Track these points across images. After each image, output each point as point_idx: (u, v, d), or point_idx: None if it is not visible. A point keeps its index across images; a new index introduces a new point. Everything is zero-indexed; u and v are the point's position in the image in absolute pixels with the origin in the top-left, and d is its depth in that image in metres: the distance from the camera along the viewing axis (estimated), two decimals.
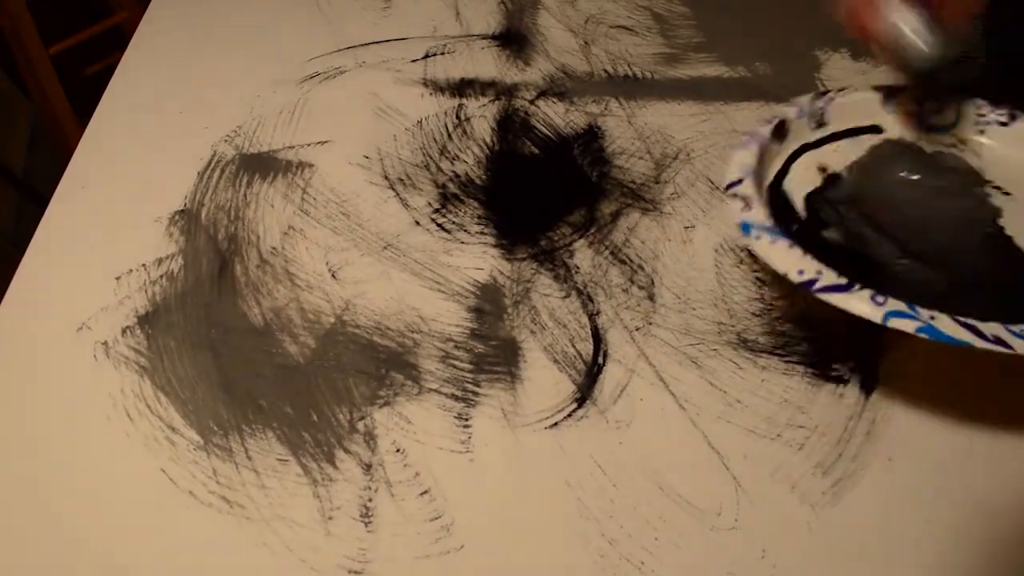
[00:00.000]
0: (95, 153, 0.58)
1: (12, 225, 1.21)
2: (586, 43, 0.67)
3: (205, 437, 0.43)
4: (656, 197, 0.55)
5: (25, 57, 1.22)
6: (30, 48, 1.21)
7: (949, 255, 0.45)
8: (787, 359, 0.47)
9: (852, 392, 0.46)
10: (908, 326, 0.37)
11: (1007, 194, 0.48)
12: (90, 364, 0.46)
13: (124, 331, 0.48)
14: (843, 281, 0.39)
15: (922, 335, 0.37)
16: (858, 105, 0.51)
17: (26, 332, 0.48)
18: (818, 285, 0.39)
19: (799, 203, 0.47)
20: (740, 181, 0.45)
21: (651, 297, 0.50)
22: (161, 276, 0.50)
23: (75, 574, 0.39)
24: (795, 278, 0.40)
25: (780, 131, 0.49)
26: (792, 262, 0.41)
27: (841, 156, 0.50)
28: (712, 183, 0.56)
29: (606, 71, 0.65)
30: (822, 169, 0.49)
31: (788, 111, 0.50)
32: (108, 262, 0.51)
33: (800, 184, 0.48)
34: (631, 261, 0.52)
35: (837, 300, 0.39)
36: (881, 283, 0.40)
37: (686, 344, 0.48)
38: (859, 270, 0.41)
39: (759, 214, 0.43)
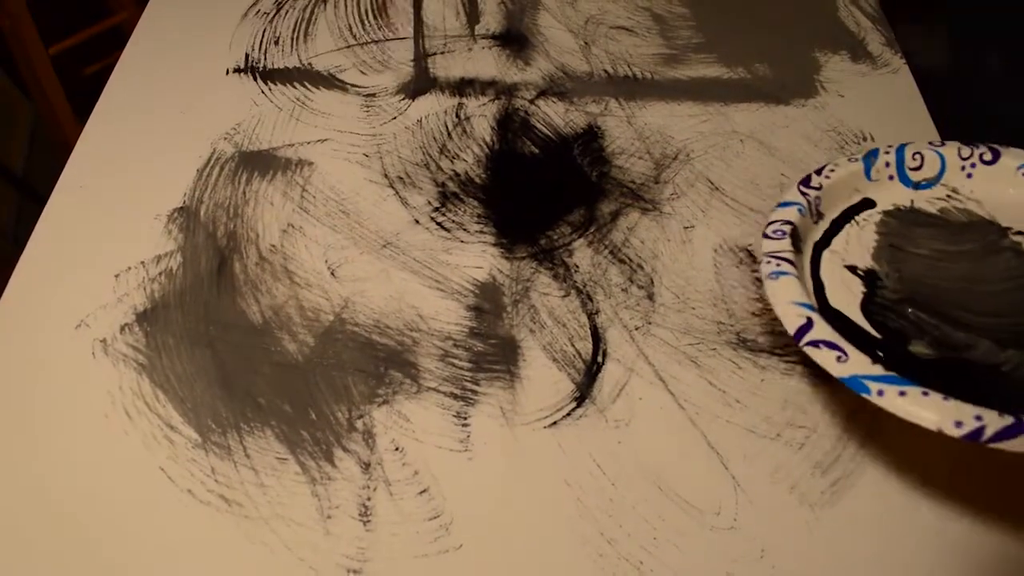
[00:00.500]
0: (94, 151, 0.58)
1: (12, 225, 1.21)
2: (586, 43, 0.67)
3: (204, 435, 0.43)
4: (656, 197, 0.55)
5: (25, 57, 1.22)
6: (30, 48, 1.21)
7: None
8: (787, 359, 0.47)
9: (852, 393, 0.45)
10: None
11: None
12: (88, 361, 0.46)
13: (123, 328, 0.48)
14: (1011, 421, 0.35)
15: None
16: (843, 183, 0.49)
17: (25, 329, 0.48)
18: (987, 435, 0.35)
19: (859, 318, 0.43)
20: (811, 323, 0.39)
21: (650, 296, 0.50)
22: (160, 273, 0.50)
23: (73, 572, 0.39)
24: (953, 432, 0.35)
25: (796, 240, 0.45)
26: (940, 413, 0.36)
27: (857, 247, 0.47)
28: (712, 183, 0.56)
29: (606, 71, 0.65)
30: (851, 269, 0.45)
31: (789, 213, 0.46)
32: (107, 259, 0.51)
33: (844, 295, 0.44)
34: (630, 260, 0.52)
35: (1016, 446, 0.34)
36: (1004, 388, 0.37)
37: (685, 343, 0.48)
38: (974, 382, 0.39)
39: (861, 362, 0.38)
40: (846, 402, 0.45)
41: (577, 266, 0.51)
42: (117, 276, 0.50)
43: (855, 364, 0.38)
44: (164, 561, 0.39)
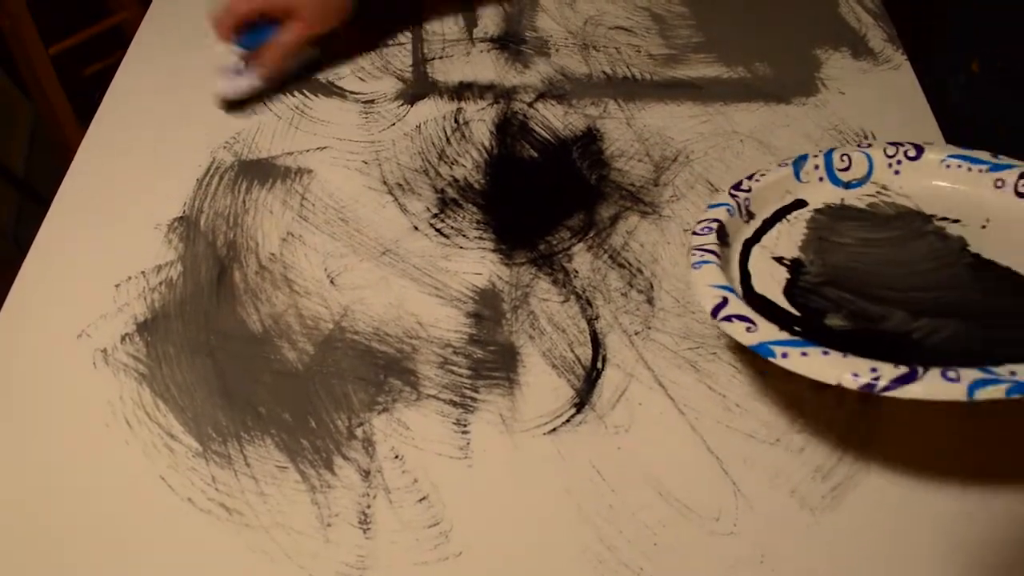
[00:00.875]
0: (94, 160, 0.58)
1: (12, 225, 1.21)
2: (585, 45, 0.67)
3: (204, 444, 0.44)
4: (655, 200, 0.55)
5: (25, 57, 1.22)
6: (30, 48, 1.21)
7: (949, 300, 0.44)
8: None
9: (851, 396, 0.45)
10: (998, 392, 0.35)
11: (955, 222, 0.47)
12: (89, 371, 0.47)
13: (123, 338, 0.48)
14: (905, 370, 0.36)
15: (1015, 395, 0.34)
16: (774, 186, 0.50)
17: (25, 339, 0.48)
18: (881, 384, 0.36)
19: (781, 301, 0.45)
20: (725, 302, 0.42)
21: (650, 301, 0.50)
22: (160, 283, 0.50)
23: None
24: (851, 383, 0.37)
25: (723, 236, 0.47)
26: (838, 368, 0.37)
27: (787, 241, 0.48)
28: (712, 185, 0.56)
29: (605, 73, 0.65)
30: (778, 260, 0.47)
31: (718, 212, 0.48)
32: (107, 269, 0.51)
33: (768, 282, 0.46)
34: (630, 265, 0.52)
35: (909, 392, 0.36)
36: (918, 355, 0.38)
37: (685, 348, 0.48)
38: (886, 348, 0.39)
39: (769, 330, 0.40)
40: (846, 407, 0.45)
41: (576, 271, 0.51)
42: (117, 286, 0.50)
43: (763, 333, 0.40)
44: (165, 570, 0.40)
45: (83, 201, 0.55)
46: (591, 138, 0.59)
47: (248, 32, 0.61)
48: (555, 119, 0.61)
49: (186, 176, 0.57)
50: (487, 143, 0.59)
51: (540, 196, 0.56)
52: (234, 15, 0.60)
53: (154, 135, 0.60)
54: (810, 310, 0.44)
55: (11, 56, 1.24)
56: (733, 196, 0.49)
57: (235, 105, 0.62)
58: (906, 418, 0.45)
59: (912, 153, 0.50)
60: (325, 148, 0.59)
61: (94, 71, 1.35)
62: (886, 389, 0.36)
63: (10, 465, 0.43)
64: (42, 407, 0.45)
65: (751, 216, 0.50)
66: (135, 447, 0.44)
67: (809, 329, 0.43)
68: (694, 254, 0.45)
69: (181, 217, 0.54)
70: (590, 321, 0.49)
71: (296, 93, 0.63)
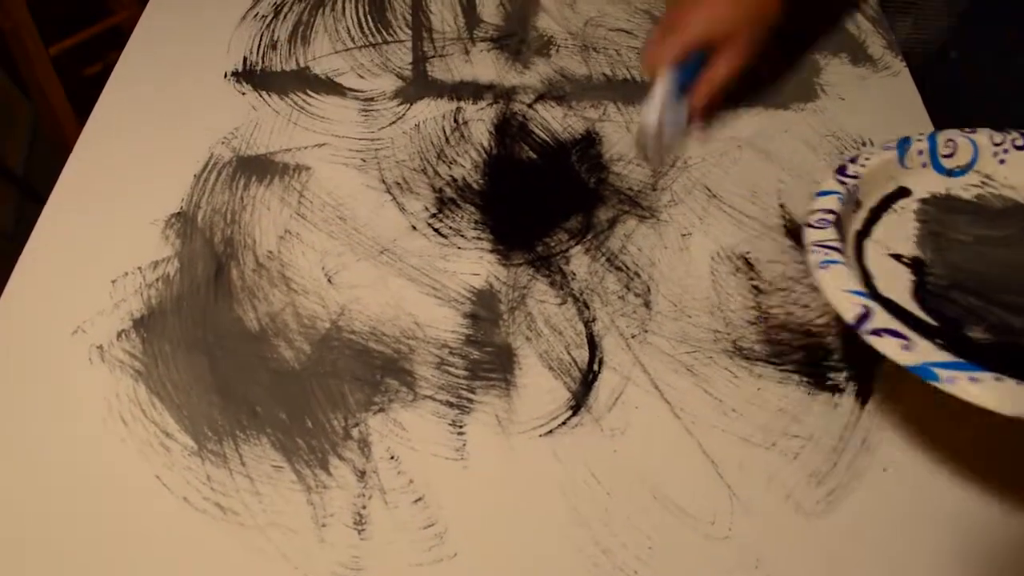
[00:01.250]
0: (91, 156, 0.58)
1: (12, 225, 1.21)
2: (585, 46, 0.67)
3: (199, 443, 0.43)
4: (653, 204, 0.55)
5: (25, 57, 1.22)
6: (30, 48, 1.21)
7: None
8: (783, 368, 0.47)
9: (848, 402, 0.46)
10: None
11: None
12: (85, 368, 0.46)
13: (119, 335, 0.48)
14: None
15: None
16: (879, 171, 0.48)
17: (21, 335, 0.48)
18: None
19: (911, 306, 0.42)
20: (868, 312, 0.39)
21: (647, 304, 0.50)
22: (157, 279, 0.50)
23: None
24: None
25: (839, 228, 0.44)
26: (1017, 399, 0.35)
27: (898, 235, 0.47)
28: (709, 190, 0.56)
29: (605, 75, 0.65)
30: (896, 257, 0.45)
31: (830, 202, 0.45)
32: (104, 265, 0.51)
33: (892, 283, 0.44)
34: (627, 268, 0.52)
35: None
36: None
37: (682, 352, 0.48)
38: None
39: (927, 349, 0.37)
40: (843, 411, 0.45)
41: (574, 273, 0.51)
42: (114, 282, 0.50)
43: (922, 352, 0.37)
44: (159, 568, 0.40)
45: (80, 196, 0.55)
46: (590, 141, 0.59)
47: (682, 64, 0.53)
48: (554, 121, 0.61)
49: (184, 172, 0.56)
50: (486, 143, 0.59)
51: (538, 198, 0.56)
52: (683, 44, 0.52)
53: (152, 130, 0.60)
54: (944, 318, 0.42)
55: (11, 56, 1.24)
56: (841, 182, 0.46)
57: (658, 148, 0.56)
58: (902, 424, 0.45)
59: (1020, 142, 0.49)
60: (323, 145, 0.59)
61: (94, 71, 1.35)
62: None
63: (5, 461, 0.43)
64: (37, 403, 0.45)
65: (858, 205, 0.47)
66: (131, 445, 0.43)
67: (950, 341, 0.40)
68: (816, 251, 0.42)
69: (178, 213, 0.54)
70: (587, 323, 0.49)
71: (295, 89, 0.63)
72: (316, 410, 0.45)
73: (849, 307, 0.39)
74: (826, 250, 0.42)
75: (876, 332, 0.38)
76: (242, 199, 0.55)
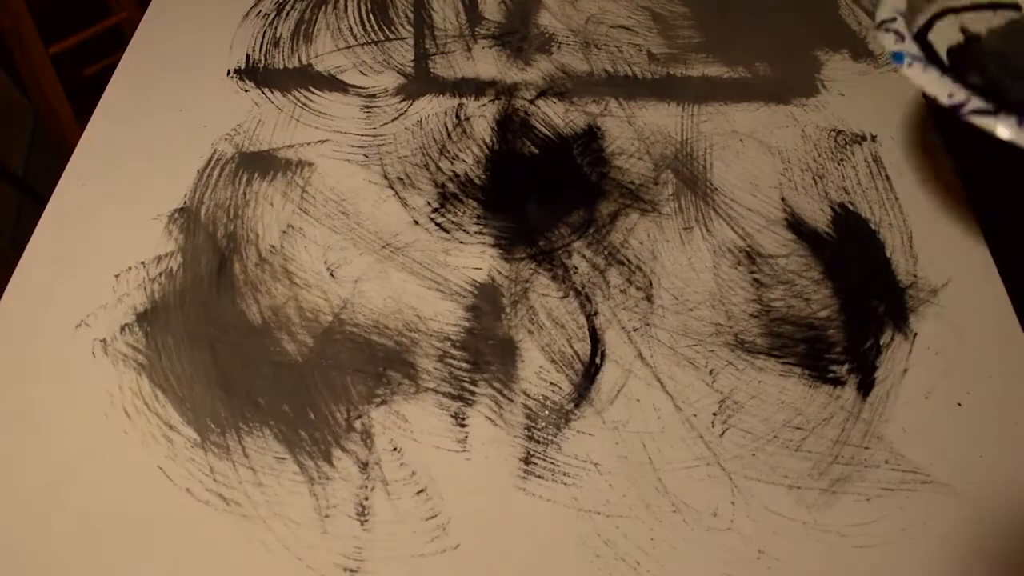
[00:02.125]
0: (95, 150, 0.58)
1: (12, 225, 1.21)
2: (586, 43, 0.67)
3: (203, 435, 0.44)
4: (655, 198, 0.56)
5: (25, 57, 1.22)
6: (30, 48, 1.21)
7: None
8: (784, 360, 0.47)
9: (849, 394, 0.46)
10: None
11: None
12: (88, 361, 0.46)
13: (123, 328, 0.48)
14: (990, 106, 0.42)
15: None
16: None
17: (25, 329, 0.48)
18: (967, 108, 0.42)
19: (942, 54, 0.50)
20: (894, 19, 0.48)
21: (649, 298, 0.50)
22: (160, 274, 0.50)
23: (71, 570, 0.39)
24: (945, 101, 0.43)
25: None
26: (943, 87, 0.44)
27: (983, 23, 0.53)
28: (711, 184, 0.56)
29: (606, 71, 0.65)
30: (963, 30, 0.52)
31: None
32: (107, 259, 0.51)
33: (943, 39, 0.51)
34: (629, 262, 0.52)
35: (983, 123, 0.42)
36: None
37: (683, 345, 0.48)
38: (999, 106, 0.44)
39: (911, 47, 0.46)
40: (844, 404, 0.45)
41: (576, 267, 0.51)
42: (117, 276, 0.50)
43: (907, 46, 0.46)
44: (162, 559, 0.40)
45: (84, 191, 0.55)
46: (592, 135, 0.60)
47: None
48: (556, 116, 0.61)
49: (187, 168, 0.56)
50: (488, 139, 0.59)
51: (540, 192, 0.56)
52: None
53: (155, 126, 0.60)
54: (960, 67, 0.49)
55: (11, 56, 1.24)
56: None
57: None
58: (904, 415, 0.45)
59: None
60: (326, 141, 0.59)
61: (94, 71, 1.35)
62: (969, 114, 0.42)
63: (8, 454, 0.43)
64: (41, 396, 0.45)
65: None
66: (134, 437, 0.44)
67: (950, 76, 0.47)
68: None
69: (182, 208, 0.54)
70: (589, 317, 0.49)
71: (297, 86, 0.63)
72: (319, 402, 0.45)
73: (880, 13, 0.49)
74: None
75: (889, 33, 0.48)
76: (245, 194, 0.55)
